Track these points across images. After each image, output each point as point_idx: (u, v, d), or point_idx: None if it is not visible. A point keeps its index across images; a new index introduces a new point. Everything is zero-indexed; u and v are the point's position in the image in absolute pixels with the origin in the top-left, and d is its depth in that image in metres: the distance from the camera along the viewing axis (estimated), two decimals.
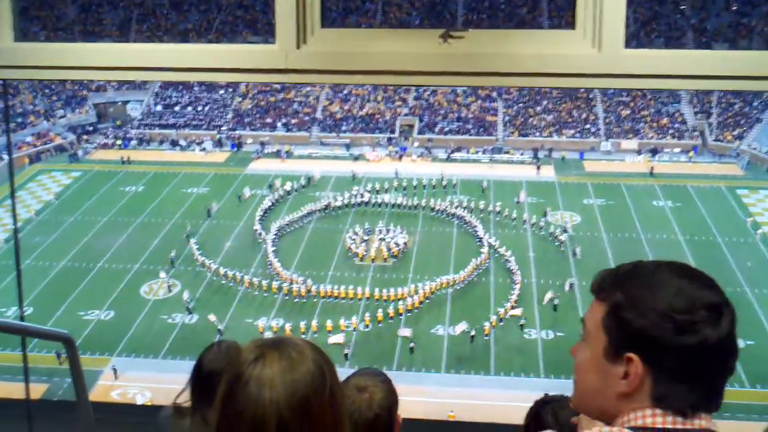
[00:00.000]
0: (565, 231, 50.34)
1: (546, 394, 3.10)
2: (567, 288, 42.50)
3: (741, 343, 34.07)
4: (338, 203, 54.84)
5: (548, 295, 41.16)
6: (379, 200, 54.88)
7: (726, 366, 1.65)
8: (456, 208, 53.80)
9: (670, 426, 1.63)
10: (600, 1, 2.59)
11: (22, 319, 4.52)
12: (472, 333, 38.00)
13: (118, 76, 2.99)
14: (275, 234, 49.97)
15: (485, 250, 46.87)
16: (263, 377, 1.55)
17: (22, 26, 3.08)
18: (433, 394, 34.05)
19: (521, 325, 38.96)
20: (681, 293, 1.64)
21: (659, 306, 1.64)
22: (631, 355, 1.67)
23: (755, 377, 33.65)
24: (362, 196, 55.95)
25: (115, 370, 35.76)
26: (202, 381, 2.97)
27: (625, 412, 1.68)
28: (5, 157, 61.45)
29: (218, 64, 2.87)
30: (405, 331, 36.85)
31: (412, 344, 37.02)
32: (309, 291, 42.64)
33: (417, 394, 33.85)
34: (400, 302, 41.06)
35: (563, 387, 33.27)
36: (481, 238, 48.90)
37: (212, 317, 39.09)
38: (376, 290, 42.25)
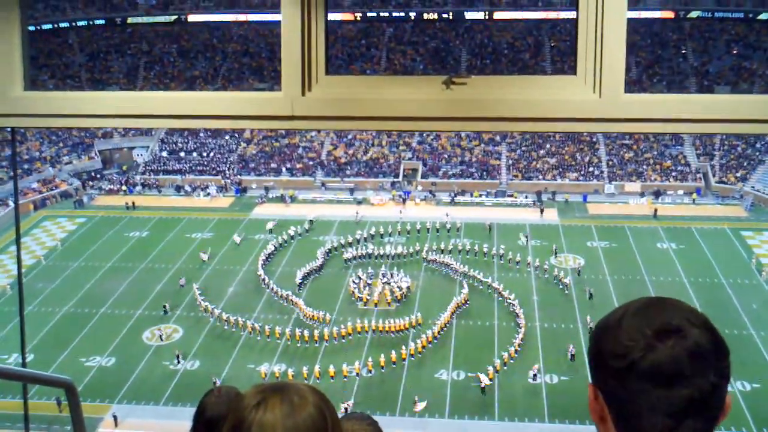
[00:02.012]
0: (579, 273, 50.44)
1: None
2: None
3: (746, 387, 33.69)
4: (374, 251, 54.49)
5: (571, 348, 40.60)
6: (382, 250, 54.57)
7: (673, 397, 1.57)
8: (459, 252, 53.82)
9: None
10: (600, 48, 2.63)
11: (24, 365, 4.51)
12: (483, 384, 37.24)
13: (126, 123, 3.04)
14: (301, 280, 50.28)
15: (465, 291, 47.08)
16: (265, 422, 1.55)
17: (31, 74, 3.13)
18: None
19: (534, 375, 38.40)
20: (634, 318, 1.64)
21: (610, 333, 1.65)
22: (590, 384, 1.73)
23: (762, 421, 33.22)
24: (366, 244, 55.89)
25: (115, 417, 35.45)
26: (203, 427, 2.96)
27: None
28: (11, 203, 61.75)
29: (225, 111, 2.91)
30: (420, 406, 36.10)
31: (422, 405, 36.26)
32: (312, 336, 42.45)
33: None
34: (403, 347, 40.80)
35: None
36: (466, 276, 48.80)
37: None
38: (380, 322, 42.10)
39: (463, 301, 46.04)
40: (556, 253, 53.82)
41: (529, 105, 2.69)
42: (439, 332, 42.68)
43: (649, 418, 1.59)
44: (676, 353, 1.57)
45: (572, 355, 39.70)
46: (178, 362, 40.40)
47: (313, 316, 45.06)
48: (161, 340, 43.02)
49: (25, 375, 4.12)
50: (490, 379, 38.02)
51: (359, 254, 53.35)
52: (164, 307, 46.37)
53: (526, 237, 56.91)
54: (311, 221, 60.54)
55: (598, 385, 1.68)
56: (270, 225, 59.47)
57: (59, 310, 46.76)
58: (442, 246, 54.71)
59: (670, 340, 1.58)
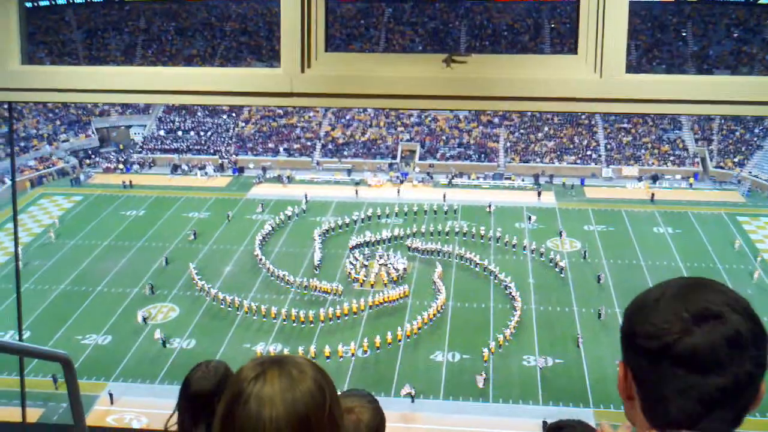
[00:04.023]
0: (584, 257, 50.61)
1: (560, 420, 3.08)
2: (603, 315, 42.04)
3: None
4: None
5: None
6: (379, 234, 54.21)
7: (706, 384, 1.53)
8: (456, 234, 53.90)
9: None
10: (602, 27, 2.62)
11: (20, 340, 4.51)
12: (479, 384, 37.02)
13: (124, 99, 3.02)
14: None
15: (438, 269, 47.16)
16: (263, 395, 1.55)
17: (28, 51, 3.11)
18: (431, 420, 33.86)
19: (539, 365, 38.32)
20: (672, 300, 1.60)
21: (646, 313, 1.62)
22: (620, 362, 1.69)
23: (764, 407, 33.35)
24: (363, 228, 55.90)
25: (111, 395, 35.55)
26: (189, 401, 2.94)
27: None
28: (7, 180, 61.61)
29: (223, 87, 2.89)
30: (407, 389, 36.06)
31: (412, 392, 36.19)
32: (307, 317, 42.58)
33: (414, 421, 33.72)
34: (399, 329, 40.93)
35: (562, 414, 33.07)
36: (478, 264, 48.92)
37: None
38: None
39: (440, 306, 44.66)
40: (561, 235, 53.98)
41: (530, 84, 2.68)
42: (435, 314, 42.81)
43: (678, 404, 1.55)
44: (713, 339, 1.52)
45: (578, 343, 39.73)
46: (164, 345, 40.37)
47: (327, 288, 45.79)
48: (145, 322, 42.72)
49: (22, 349, 4.13)
50: (485, 362, 38.18)
51: (363, 242, 53.00)
52: (150, 287, 46.39)
53: (530, 218, 57.02)
54: (306, 200, 60.56)
55: (629, 364, 1.65)
56: (259, 208, 59.61)
57: (56, 287, 46.80)
58: (439, 228, 54.75)
59: (708, 325, 1.53)
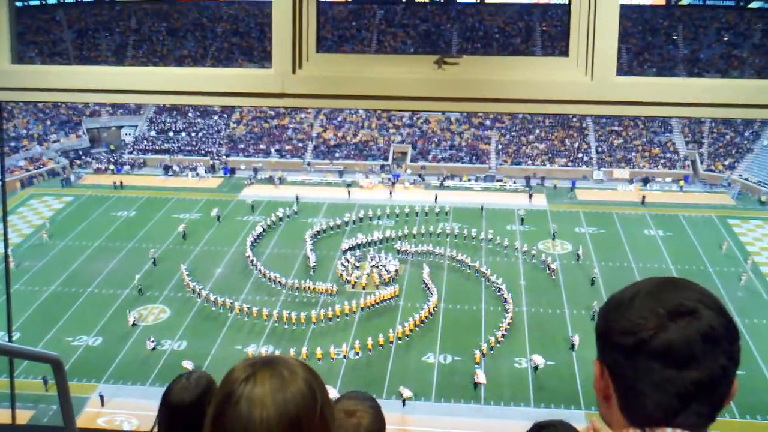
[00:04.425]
0: (577, 258, 50.76)
1: (542, 421, 3.08)
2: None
3: None
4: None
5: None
6: (370, 236, 54.20)
7: (682, 378, 1.56)
8: (447, 236, 53.97)
9: None
10: (593, 30, 2.63)
11: (10, 341, 4.49)
12: (477, 380, 36.79)
13: (114, 99, 3.01)
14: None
15: (433, 298, 44.98)
16: (254, 396, 1.54)
17: (18, 51, 3.10)
18: (422, 423, 33.86)
19: (535, 367, 38.09)
20: (647, 297, 1.63)
21: (621, 310, 1.65)
22: (596, 360, 1.72)
23: (746, 408, 33.57)
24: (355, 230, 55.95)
25: (102, 397, 35.40)
26: (168, 413, 2.90)
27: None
28: None
29: (215, 87, 2.88)
30: (405, 391, 35.96)
31: (408, 396, 35.87)
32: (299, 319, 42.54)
33: (405, 423, 33.70)
34: (391, 330, 40.92)
35: (553, 416, 33.12)
36: (471, 266, 48.99)
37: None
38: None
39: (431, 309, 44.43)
40: (554, 237, 54.14)
41: (521, 86, 2.68)
42: (427, 316, 42.83)
43: (655, 398, 1.58)
44: (688, 334, 1.56)
45: (572, 344, 39.79)
46: (154, 349, 40.12)
47: (321, 289, 46.02)
48: (135, 325, 42.47)
49: (12, 350, 4.11)
50: (477, 363, 38.21)
51: (356, 244, 52.94)
52: (139, 289, 46.24)
53: (522, 220, 57.15)
54: (297, 201, 60.56)
55: (605, 362, 1.68)
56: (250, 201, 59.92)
57: (46, 288, 46.60)
58: (431, 230, 54.80)
59: (683, 320, 1.57)
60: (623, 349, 1.61)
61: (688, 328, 1.56)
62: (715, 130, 72.27)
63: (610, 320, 1.66)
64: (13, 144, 68.72)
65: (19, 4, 76.08)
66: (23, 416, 31.93)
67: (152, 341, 40.25)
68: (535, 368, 37.90)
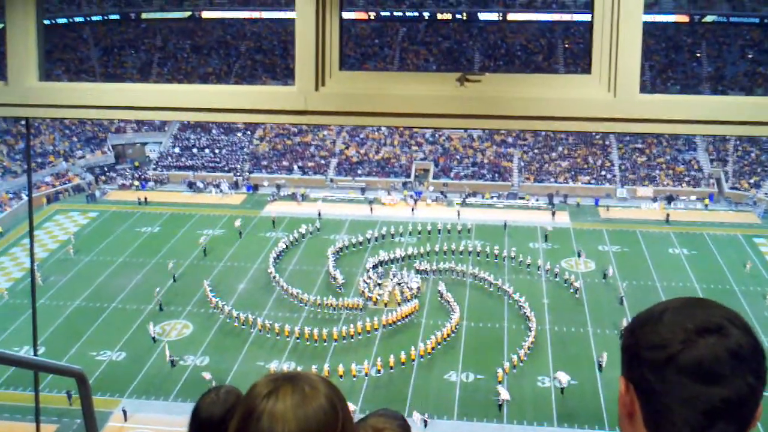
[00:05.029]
0: (604, 276, 50.44)
1: None
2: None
3: None
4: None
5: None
6: (393, 253, 54.12)
7: (709, 395, 1.55)
8: (470, 253, 53.82)
9: None
10: (616, 47, 2.62)
11: (35, 355, 4.53)
12: (502, 399, 36.75)
13: (140, 115, 3.04)
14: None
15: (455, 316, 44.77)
16: (276, 412, 1.55)
17: (45, 68, 3.15)
18: None
19: (562, 389, 37.71)
20: (676, 314, 1.64)
21: (650, 326, 1.66)
22: (621, 376, 1.72)
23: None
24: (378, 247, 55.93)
25: (125, 412, 35.57)
26: (198, 428, 2.91)
27: None
28: (24, 196, 62.13)
29: (238, 105, 2.91)
30: (417, 416, 35.62)
31: (426, 419, 35.67)
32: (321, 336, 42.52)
33: None
34: (412, 348, 40.77)
35: None
36: (493, 284, 48.79)
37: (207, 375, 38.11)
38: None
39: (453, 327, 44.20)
40: (579, 255, 53.84)
41: (544, 103, 2.68)
42: (449, 334, 42.65)
43: (682, 414, 1.58)
44: (717, 351, 1.56)
45: (600, 365, 39.36)
46: (173, 365, 40.26)
47: (348, 304, 46.10)
48: (154, 341, 42.68)
49: (37, 364, 4.15)
50: (499, 382, 37.95)
51: (379, 261, 52.86)
52: (160, 305, 46.49)
53: (546, 237, 56.91)
54: (320, 217, 60.72)
55: (631, 378, 1.67)
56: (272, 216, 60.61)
57: (71, 303, 47.01)
58: (453, 247, 54.66)
59: (712, 337, 1.58)
60: (651, 364, 1.61)
61: (717, 345, 1.57)
62: (740, 148, 71.59)
63: (639, 335, 1.66)
64: (39, 160, 69.60)
65: (47, 22, 77.30)
66: (47, 430, 32.18)
67: (170, 356, 40.41)
68: (562, 390, 37.46)
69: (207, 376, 37.01)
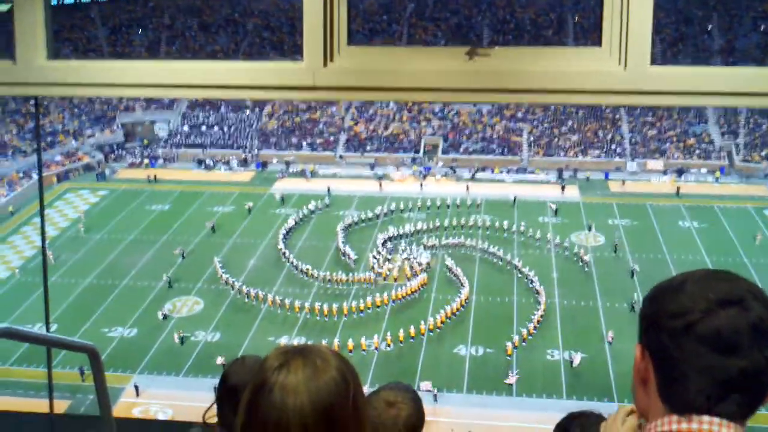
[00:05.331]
0: (615, 250, 50.35)
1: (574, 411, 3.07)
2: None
3: None
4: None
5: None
6: (402, 228, 54.21)
7: (726, 366, 1.56)
8: (479, 228, 53.77)
9: (670, 428, 1.62)
10: (626, 18, 2.59)
11: (48, 332, 4.57)
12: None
13: (149, 93, 3.04)
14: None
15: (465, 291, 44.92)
16: (287, 384, 1.57)
17: (53, 48, 3.15)
18: (454, 414, 33.84)
19: (571, 362, 37.85)
20: (694, 286, 1.64)
21: (671, 294, 1.66)
22: (638, 344, 1.73)
23: None
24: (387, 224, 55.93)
25: (137, 388, 35.90)
26: (227, 395, 2.97)
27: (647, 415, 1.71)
28: (35, 175, 62.32)
29: (247, 81, 2.90)
30: (427, 385, 35.84)
31: (434, 391, 35.78)
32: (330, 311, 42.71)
33: (437, 415, 33.69)
34: (422, 322, 40.91)
35: (586, 408, 32.89)
36: (503, 258, 48.78)
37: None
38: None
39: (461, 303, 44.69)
40: (590, 229, 53.75)
41: (553, 77, 2.66)
42: (458, 308, 42.75)
43: (698, 383, 1.59)
44: (737, 323, 1.57)
45: (610, 341, 39.36)
46: (182, 343, 40.44)
47: (360, 279, 46.46)
48: (164, 318, 42.91)
49: (50, 339, 4.19)
50: (508, 356, 38.09)
51: (388, 236, 52.86)
52: (169, 282, 46.68)
53: (556, 211, 56.76)
54: (329, 194, 60.69)
55: (648, 346, 1.68)
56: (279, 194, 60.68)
57: (82, 281, 47.30)
58: (462, 222, 54.62)
59: (733, 309, 1.58)
60: (671, 332, 1.61)
61: (738, 318, 1.57)
62: (751, 121, 70.99)
63: (659, 303, 1.66)
64: (49, 139, 69.71)
65: (54, 2, 77.10)
66: (60, 406, 32.47)
67: (180, 335, 40.64)
68: (571, 363, 37.65)
69: (220, 360, 37.02)
